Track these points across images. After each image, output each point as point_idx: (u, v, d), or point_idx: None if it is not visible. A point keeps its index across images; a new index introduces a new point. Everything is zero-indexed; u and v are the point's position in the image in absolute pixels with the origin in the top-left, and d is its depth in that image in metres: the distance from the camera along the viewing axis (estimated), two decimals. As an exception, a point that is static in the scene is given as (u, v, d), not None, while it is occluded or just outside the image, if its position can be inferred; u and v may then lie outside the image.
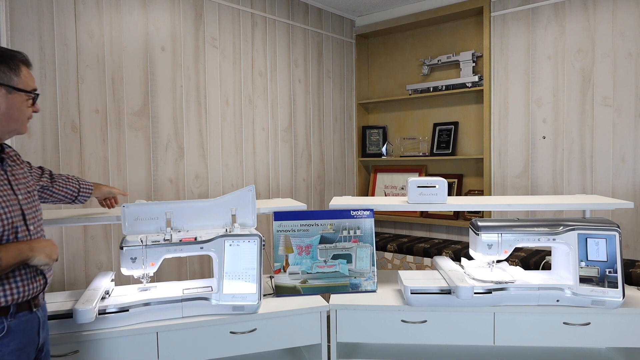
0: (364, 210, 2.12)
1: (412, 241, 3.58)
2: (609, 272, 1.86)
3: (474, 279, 1.96)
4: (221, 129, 3.07)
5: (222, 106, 3.08)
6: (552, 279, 2.00)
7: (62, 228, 2.36)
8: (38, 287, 1.33)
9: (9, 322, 1.25)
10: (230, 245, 1.82)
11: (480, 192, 3.58)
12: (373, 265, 2.10)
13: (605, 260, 1.87)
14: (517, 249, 3.11)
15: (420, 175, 3.90)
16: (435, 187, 2.12)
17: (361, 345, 2.14)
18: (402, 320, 1.92)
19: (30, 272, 1.31)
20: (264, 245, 1.86)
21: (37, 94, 1.37)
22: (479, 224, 1.96)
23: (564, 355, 2.05)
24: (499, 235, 1.93)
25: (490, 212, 3.34)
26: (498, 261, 2.05)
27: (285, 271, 2.06)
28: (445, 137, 3.73)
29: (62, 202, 1.74)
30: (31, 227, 1.34)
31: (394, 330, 1.93)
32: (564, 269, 1.98)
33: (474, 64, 3.55)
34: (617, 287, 1.84)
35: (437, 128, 3.79)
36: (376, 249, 2.97)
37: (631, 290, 2.07)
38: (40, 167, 1.68)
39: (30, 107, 1.35)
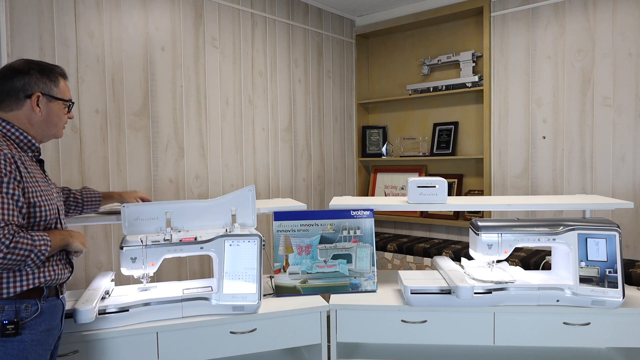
0: (364, 210, 2.12)
1: (412, 241, 3.58)
2: (609, 272, 1.86)
3: (474, 279, 1.96)
4: (221, 129, 3.07)
5: (222, 106, 3.08)
6: (552, 279, 2.00)
7: (62, 228, 2.35)
8: (67, 274, 1.48)
9: (41, 304, 1.37)
10: (230, 245, 1.82)
11: (480, 192, 3.58)
12: (373, 265, 2.10)
13: (605, 260, 1.87)
14: (517, 249, 3.11)
15: (420, 175, 3.89)
16: (435, 187, 2.12)
17: (361, 345, 2.14)
18: (402, 320, 1.92)
19: (63, 259, 1.47)
20: (264, 245, 1.86)
21: (73, 103, 1.54)
22: (479, 224, 1.96)
23: (564, 355, 2.05)
24: (499, 235, 1.93)
25: (490, 212, 3.34)
26: (498, 261, 2.05)
27: (285, 271, 2.06)
28: (445, 137, 3.73)
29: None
30: (63, 221, 1.52)
31: (394, 330, 1.93)
32: (564, 269, 1.98)
33: (474, 64, 3.55)
34: (617, 287, 1.84)
35: (437, 128, 3.79)
36: (376, 249, 2.96)
37: (631, 290, 2.07)
38: None
39: (66, 114, 1.53)
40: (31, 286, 1.34)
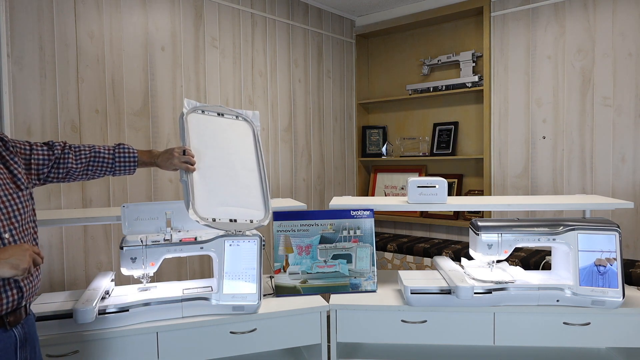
0: (364, 210, 2.12)
1: (412, 241, 3.58)
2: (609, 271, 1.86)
3: (474, 279, 1.96)
4: (221, 129, 3.07)
5: (222, 106, 3.08)
6: (552, 279, 2.00)
7: (62, 228, 2.36)
8: (10, 302, 1.18)
9: None
10: (230, 245, 1.82)
11: (480, 192, 3.58)
12: (373, 265, 2.10)
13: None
14: (517, 249, 3.11)
15: (420, 175, 3.89)
16: (435, 187, 2.12)
17: (361, 345, 2.14)
18: (402, 320, 1.92)
19: None
20: (264, 245, 1.86)
21: None
22: (479, 224, 1.96)
23: (564, 355, 2.05)
24: (499, 235, 1.93)
25: (490, 212, 3.34)
26: (498, 261, 2.05)
27: (285, 271, 2.06)
28: (445, 137, 3.73)
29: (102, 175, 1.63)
30: (6, 235, 1.19)
31: (394, 330, 1.93)
32: (564, 269, 1.98)
33: (474, 64, 3.55)
34: (617, 287, 1.84)
35: (437, 128, 3.79)
36: (376, 249, 2.96)
37: (631, 290, 2.07)
38: (46, 144, 1.49)
39: None
40: None
